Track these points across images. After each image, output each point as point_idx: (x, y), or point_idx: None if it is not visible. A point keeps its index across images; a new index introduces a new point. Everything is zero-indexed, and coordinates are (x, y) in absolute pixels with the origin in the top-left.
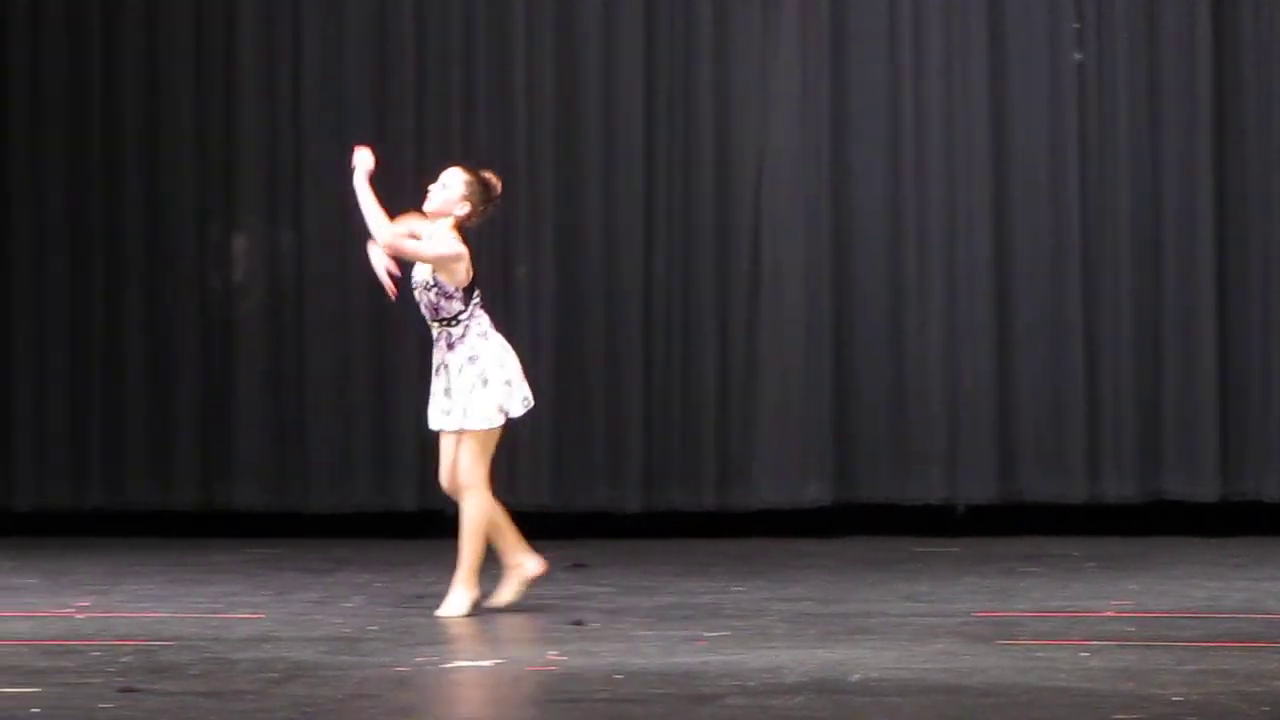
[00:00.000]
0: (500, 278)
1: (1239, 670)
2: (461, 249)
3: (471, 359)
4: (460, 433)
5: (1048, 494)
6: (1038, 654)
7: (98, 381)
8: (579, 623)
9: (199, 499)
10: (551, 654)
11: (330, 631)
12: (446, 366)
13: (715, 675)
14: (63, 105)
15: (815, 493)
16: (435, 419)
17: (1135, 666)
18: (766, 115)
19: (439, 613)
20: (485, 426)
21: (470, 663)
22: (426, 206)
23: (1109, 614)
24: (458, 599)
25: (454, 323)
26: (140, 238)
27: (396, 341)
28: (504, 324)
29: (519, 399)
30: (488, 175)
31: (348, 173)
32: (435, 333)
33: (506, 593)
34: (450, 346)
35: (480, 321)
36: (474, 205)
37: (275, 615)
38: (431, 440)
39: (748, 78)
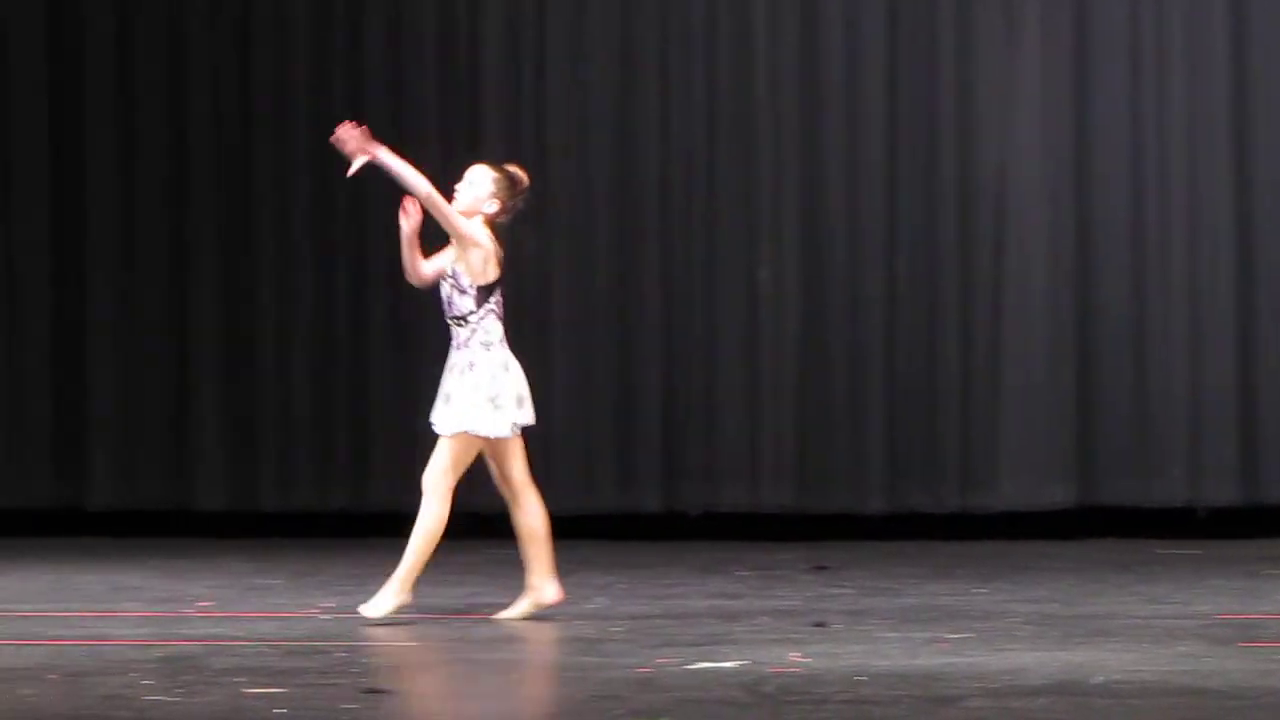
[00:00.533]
0: (743, 280)
1: None
2: (486, 241)
3: (471, 365)
4: (439, 436)
5: None
6: None
7: (343, 385)
8: (821, 624)
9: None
10: (794, 655)
11: (573, 632)
12: (451, 368)
13: (957, 677)
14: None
15: (1058, 495)
16: (433, 416)
17: None
18: (1008, 116)
19: (362, 608)
20: (458, 432)
21: (712, 664)
22: (455, 205)
23: None
24: (383, 600)
25: (463, 322)
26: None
27: (641, 345)
28: (749, 326)
29: (505, 421)
30: (513, 169)
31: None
32: (450, 329)
33: (515, 610)
34: (457, 347)
35: (489, 330)
36: (503, 201)
37: (518, 615)
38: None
39: (990, 79)
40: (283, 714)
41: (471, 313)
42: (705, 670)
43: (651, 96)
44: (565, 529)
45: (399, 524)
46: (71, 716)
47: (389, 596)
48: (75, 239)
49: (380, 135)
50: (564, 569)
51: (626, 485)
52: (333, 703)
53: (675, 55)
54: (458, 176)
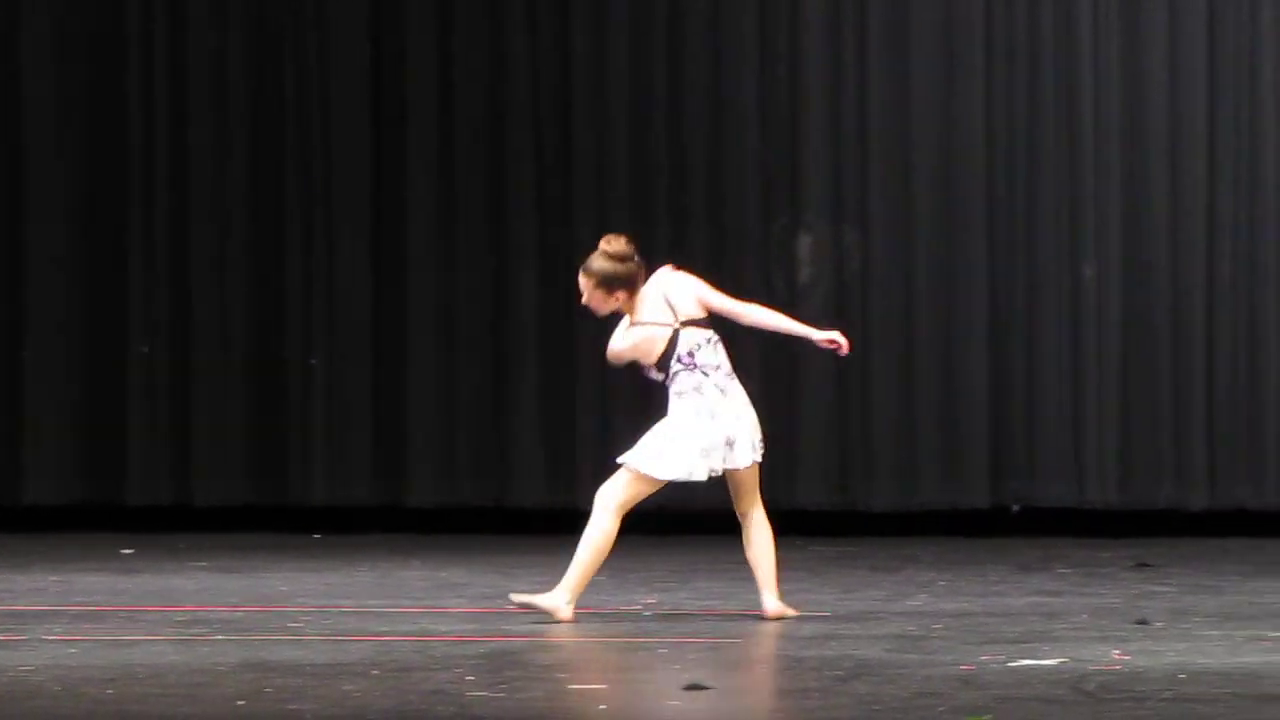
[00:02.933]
0: (1068, 275)
1: None
2: (628, 341)
3: (669, 411)
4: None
5: None
6: None
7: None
8: (1143, 621)
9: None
10: (1115, 653)
11: (895, 629)
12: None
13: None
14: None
15: None
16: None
17: None
18: None
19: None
20: (630, 465)
21: (1034, 661)
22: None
23: None
24: (552, 600)
25: (664, 382)
26: (705, 237)
27: (964, 340)
28: (1073, 322)
29: (683, 466)
30: (595, 255)
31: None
32: None
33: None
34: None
35: (680, 383)
36: (614, 289)
37: (840, 613)
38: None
39: None
40: (604, 710)
41: (667, 379)
42: (1026, 668)
43: (976, 95)
44: (888, 526)
45: (720, 521)
46: (395, 712)
47: (556, 597)
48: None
49: None
50: (888, 565)
51: (950, 481)
52: (655, 701)
53: (999, 55)
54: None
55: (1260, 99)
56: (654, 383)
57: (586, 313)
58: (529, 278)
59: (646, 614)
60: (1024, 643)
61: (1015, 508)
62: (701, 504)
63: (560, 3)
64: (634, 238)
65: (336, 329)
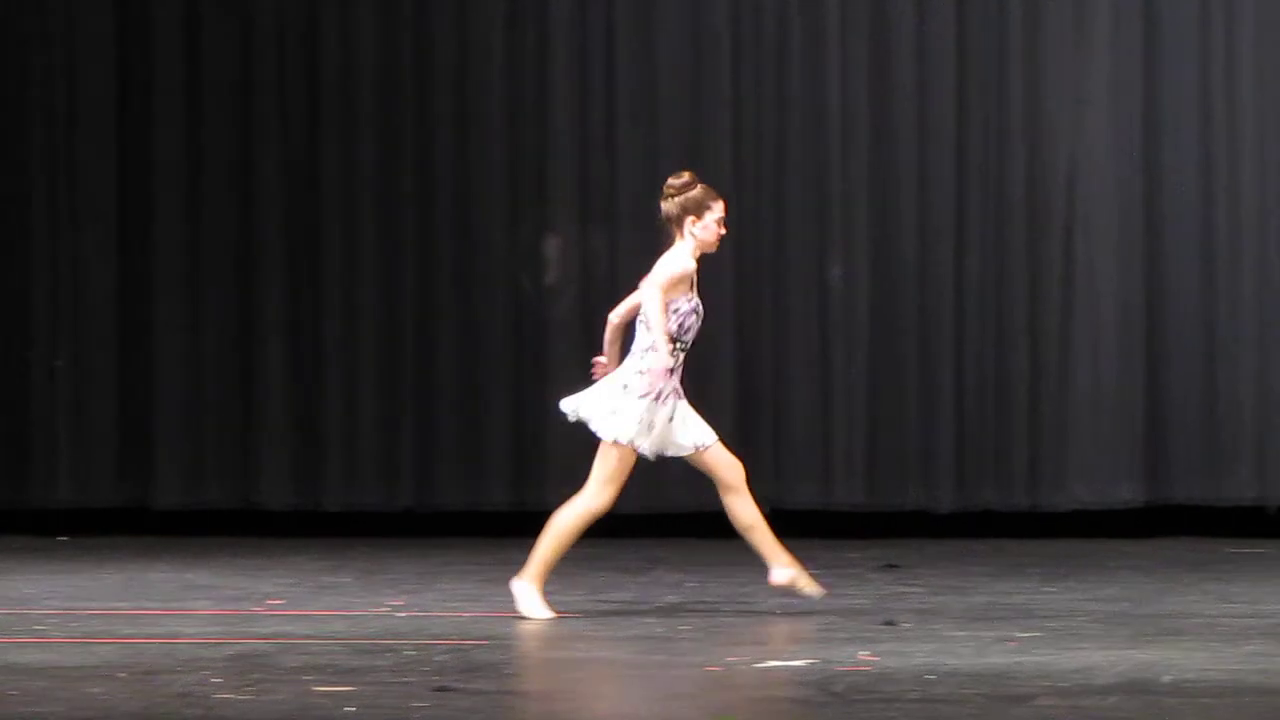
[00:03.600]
0: (814, 280)
1: None
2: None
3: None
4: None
5: None
6: None
7: (409, 381)
8: (891, 623)
9: (511, 499)
10: (863, 654)
11: (643, 630)
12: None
13: (1027, 676)
14: (373, 107)
15: (1128, 493)
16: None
17: None
18: (1079, 115)
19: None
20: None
21: (782, 662)
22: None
23: None
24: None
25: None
26: (451, 239)
27: (713, 344)
28: (821, 325)
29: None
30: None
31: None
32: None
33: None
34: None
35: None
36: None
37: (589, 614)
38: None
39: (1059, 77)
40: (352, 712)
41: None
42: (774, 669)
43: (723, 96)
44: (636, 528)
45: (465, 523)
46: (142, 715)
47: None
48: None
49: None
50: (636, 567)
51: (699, 483)
52: (403, 701)
53: (746, 56)
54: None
55: (1007, 93)
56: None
57: (337, 313)
58: (279, 278)
59: (394, 616)
60: (772, 644)
61: (764, 510)
62: (441, 506)
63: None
64: (381, 243)
65: (81, 331)
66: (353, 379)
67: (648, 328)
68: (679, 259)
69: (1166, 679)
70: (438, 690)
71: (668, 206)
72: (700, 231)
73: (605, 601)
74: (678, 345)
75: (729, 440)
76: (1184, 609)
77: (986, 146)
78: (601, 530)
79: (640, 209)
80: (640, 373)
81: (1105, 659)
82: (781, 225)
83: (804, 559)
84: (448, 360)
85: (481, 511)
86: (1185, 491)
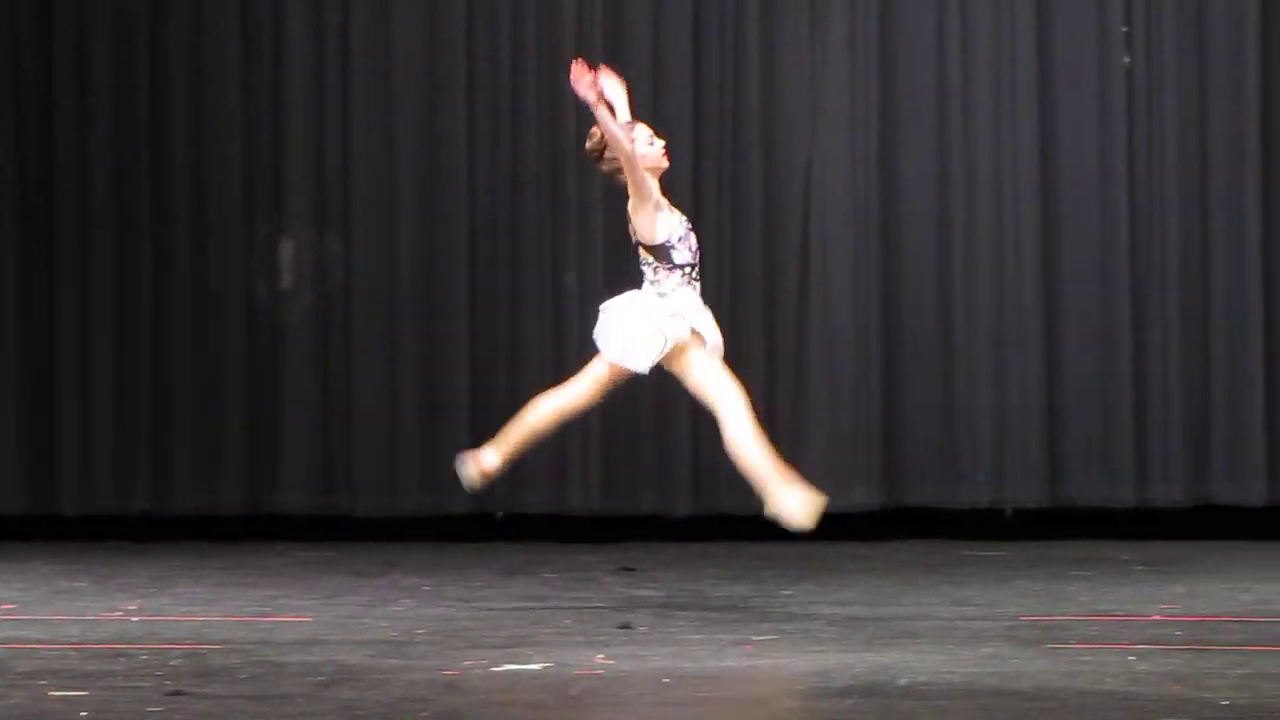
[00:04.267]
0: (550, 284)
1: None
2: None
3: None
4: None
5: (1096, 498)
6: (1085, 658)
7: (145, 385)
8: (627, 626)
9: (246, 502)
10: (599, 657)
11: (378, 635)
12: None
13: (764, 679)
14: (109, 112)
15: (864, 497)
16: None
17: (1183, 670)
18: (814, 124)
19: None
20: None
21: (518, 666)
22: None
23: (1157, 618)
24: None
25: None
26: (187, 243)
27: (446, 350)
28: (556, 329)
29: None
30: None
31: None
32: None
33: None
34: None
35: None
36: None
37: (323, 618)
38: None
39: (796, 86)
40: (86, 717)
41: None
42: (510, 673)
43: (458, 103)
44: (371, 531)
45: (201, 527)
46: None
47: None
48: None
49: None
50: (370, 570)
51: (433, 487)
52: (137, 705)
53: (480, 63)
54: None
55: (743, 101)
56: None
57: (72, 317)
58: (10, 285)
59: (128, 620)
60: (508, 647)
61: (499, 514)
62: (177, 510)
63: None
64: (116, 247)
65: None
66: (87, 384)
67: (669, 269)
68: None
69: (902, 681)
70: (171, 695)
71: (607, 166)
72: (643, 151)
73: (340, 605)
74: (690, 270)
75: (467, 441)
76: (920, 611)
77: (721, 150)
78: (337, 534)
79: (375, 214)
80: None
81: (841, 661)
82: (516, 233)
83: (539, 563)
84: (183, 365)
85: (217, 516)
86: (921, 495)
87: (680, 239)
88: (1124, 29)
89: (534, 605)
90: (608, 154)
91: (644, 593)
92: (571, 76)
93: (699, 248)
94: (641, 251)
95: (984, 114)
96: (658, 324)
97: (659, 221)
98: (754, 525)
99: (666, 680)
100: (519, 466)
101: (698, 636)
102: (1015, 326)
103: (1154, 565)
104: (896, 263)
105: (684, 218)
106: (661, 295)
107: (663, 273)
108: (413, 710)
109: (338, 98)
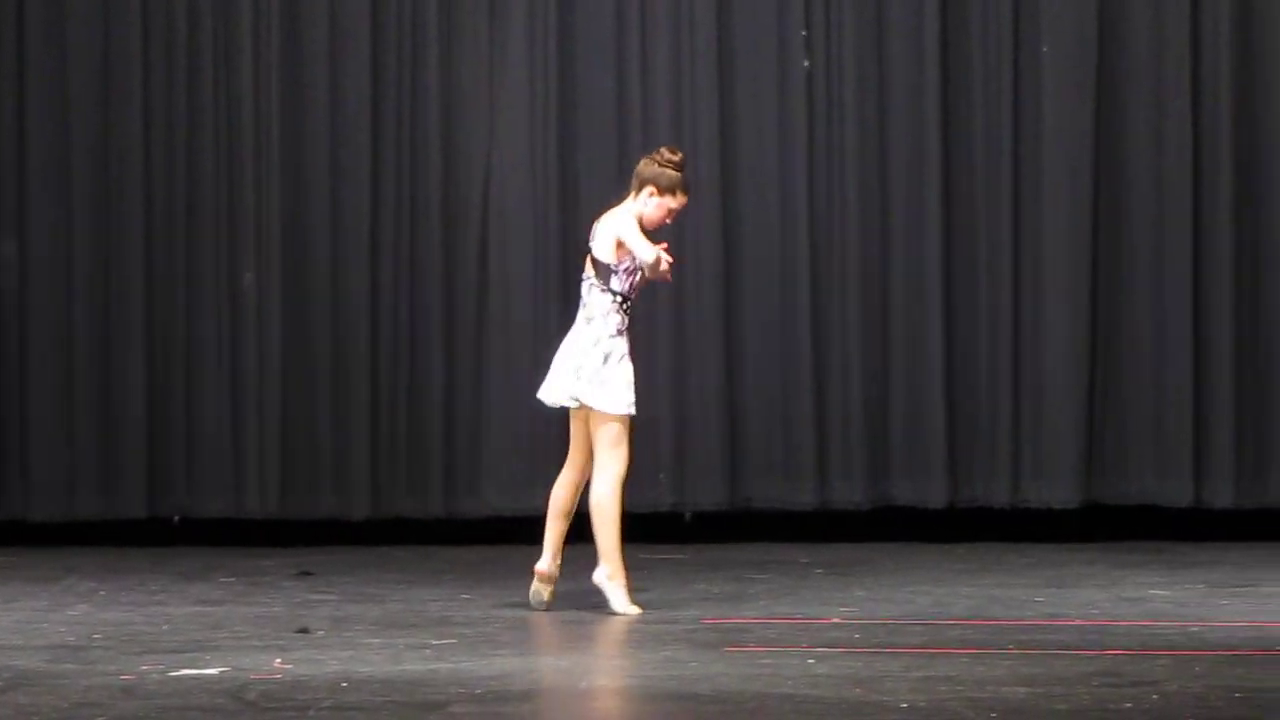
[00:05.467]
0: (227, 285)
1: (966, 677)
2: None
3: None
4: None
5: (777, 500)
6: (765, 661)
7: None
8: (305, 630)
9: None
10: (277, 661)
11: (55, 639)
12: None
13: (442, 683)
14: None
15: (542, 500)
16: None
17: (862, 673)
18: (494, 124)
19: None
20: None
21: (196, 671)
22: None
23: (836, 620)
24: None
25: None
26: None
27: (122, 350)
28: (232, 332)
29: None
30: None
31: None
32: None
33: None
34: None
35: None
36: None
37: None
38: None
39: (475, 86)
40: None
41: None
42: (187, 677)
43: (134, 106)
44: (47, 536)
45: None
46: None
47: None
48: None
49: None
50: (47, 575)
51: (110, 492)
52: None
53: (158, 69)
54: None
55: (421, 99)
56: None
57: None
58: None
59: None
60: (185, 652)
61: (176, 518)
62: None
63: None
64: None
65: None
66: None
67: (603, 289)
68: (628, 213)
69: (582, 684)
70: None
71: (644, 165)
72: (649, 207)
73: (16, 610)
74: (627, 304)
75: (140, 454)
76: (599, 615)
77: (400, 150)
78: (13, 539)
79: (49, 219)
80: (616, 334)
81: (521, 665)
82: (193, 233)
83: (216, 567)
84: None
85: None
86: None
87: (626, 270)
88: (803, 33)
89: (211, 609)
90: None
91: (322, 597)
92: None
93: (639, 286)
94: (588, 262)
95: (663, 115)
96: (612, 367)
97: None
98: (432, 529)
99: (344, 684)
100: (196, 472)
101: (375, 640)
102: (695, 330)
103: (833, 568)
104: (576, 267)
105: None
106: (588, 320)
107: (597, 292)
108: (89, 715)
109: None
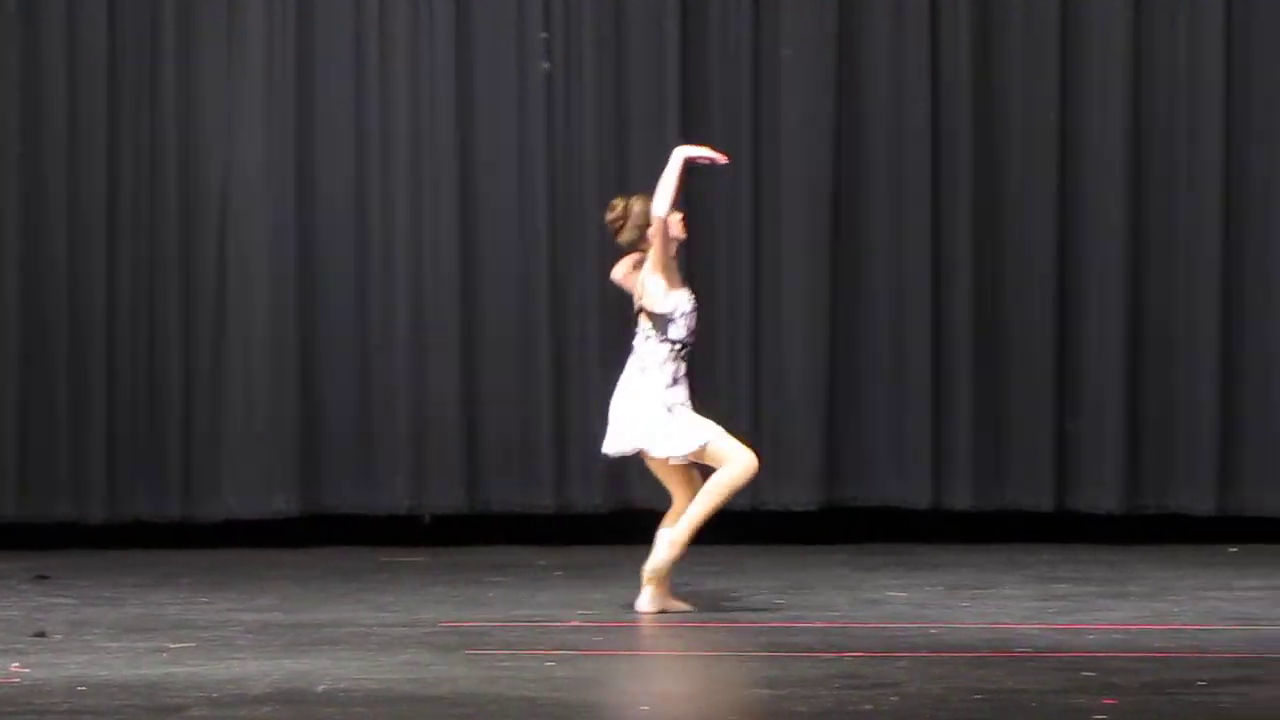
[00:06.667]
0: None
1: (708, 678)
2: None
3: None
4: None
5: (515, 503)
6: (504, 663)
7: None
8: (42, 634)
9: None
10: (14, 665)
11: None
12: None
13: (180, 686)
14: None
15: (282, 503)
16: None
17: (601, 675)
18: (231, 125)
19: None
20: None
21: None
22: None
23: (575, 623)
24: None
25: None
26: None
27: None
28: None
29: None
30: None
31: None
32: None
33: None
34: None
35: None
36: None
37: None
38: None
39: (213, 87)
40: None
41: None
42: None
43: None
44: None
45: None
46: None
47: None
48: None
49: None
50: None
51: None
52: None
53: None
54: None
55: (159, 100)
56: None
57: None
58: None
59: None
60: None
61: None
62: None
63: None
64: None
65: None
66: None
67: (661, 340)
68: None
69: (320, 688)
70: None
71: (627, 237)
72: (658, 242)
73: None
74: (685, 350)
75: None
76: (339, 618)
77: (138, 151)
78: None
79: None
80: (672, 383)
81: (259, 669)
82: None
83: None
84: None
85: None
86: (339, 501)
87: (683, 315)
88: (543, 35)
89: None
90: (630, 223)
91: (59, 600)
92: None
93: (696, 328)
94: (641, 317)
95: (402, 116)
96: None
97: (671, 292)
98: (170, 533)
99: (82, 688)
100: None
101: (113, 644)
102: (434, 332)
103: (573, 570)
104: (314, 269)
105: (691, 295)
106: (643, 370)
107: (654, 343)
108: None
109: None
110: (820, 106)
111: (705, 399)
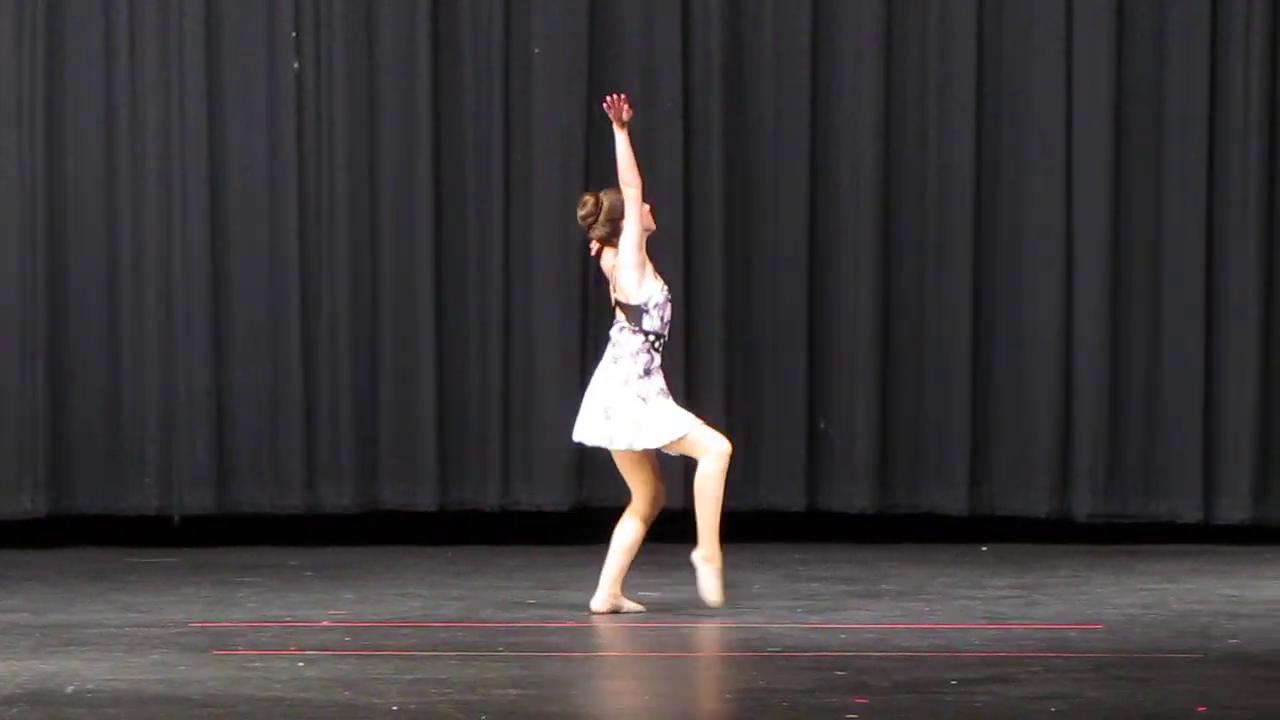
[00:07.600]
0: None
1: (457, 679)
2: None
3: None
4: None
5: (265, 503)
6: (254, 664)
7: None
8: None
9: None
10: None
11: None
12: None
13: None
14: None
15: (30, 504)
16: None
17: (352, 676)
18: None
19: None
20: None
21: None
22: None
23: (326, 624)
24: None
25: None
26: None
27: None
28: None
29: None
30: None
31: None
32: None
33: None
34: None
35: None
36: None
37: None
38: None
39: None
40: None
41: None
42: None
43: None
44: None
45: None
46: None
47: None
48: None
49: None
50: None
51: None
52: None
53: None
54: None
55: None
56: None
57: None
58: None
59: None
60: None
61: None
62: None
63: None
64: None
65: None
66: None
67: (635, 331)
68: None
69: (70, 689)
70: None
71: (599, 232)
72: (631, 229)
73: None
74: (659, 341)
75: None
76: (87, 619)
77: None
78: None
79: None
80: (645, 374)
81: (7, 670)
82: None
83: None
84: None
85: None
86: (88, 502)
87: (656, 306)
88: (293, 34)
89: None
90: (601, 218)
91: None
92: (606, 102)
93: (670, 319)
94: (617, 310)
95: (152, 114)
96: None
97: (644, 283)
98: None
99: None
100: None
101: None
102: (183, 329)
103: (323, 571)
104: (64, 267)
105: (665, 286)
106: (615, 360)
107: (628, 334)
108: None
109: None
110: (571, 104)
111: (455, 398)
